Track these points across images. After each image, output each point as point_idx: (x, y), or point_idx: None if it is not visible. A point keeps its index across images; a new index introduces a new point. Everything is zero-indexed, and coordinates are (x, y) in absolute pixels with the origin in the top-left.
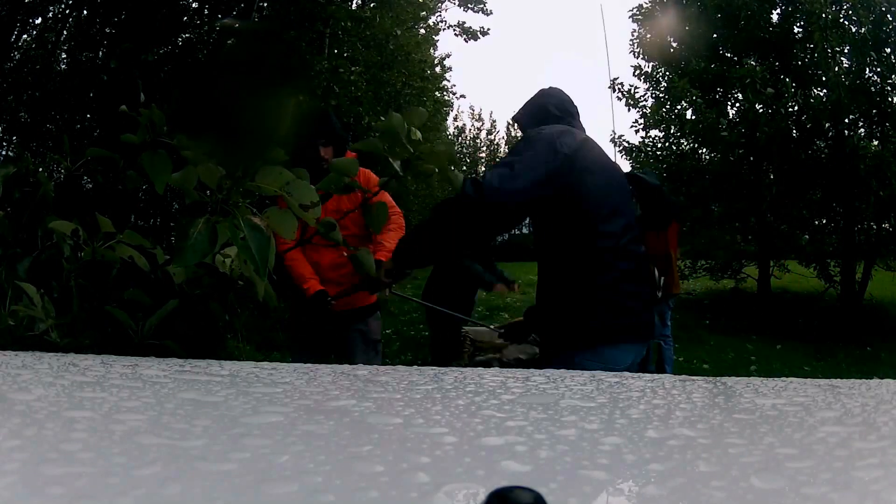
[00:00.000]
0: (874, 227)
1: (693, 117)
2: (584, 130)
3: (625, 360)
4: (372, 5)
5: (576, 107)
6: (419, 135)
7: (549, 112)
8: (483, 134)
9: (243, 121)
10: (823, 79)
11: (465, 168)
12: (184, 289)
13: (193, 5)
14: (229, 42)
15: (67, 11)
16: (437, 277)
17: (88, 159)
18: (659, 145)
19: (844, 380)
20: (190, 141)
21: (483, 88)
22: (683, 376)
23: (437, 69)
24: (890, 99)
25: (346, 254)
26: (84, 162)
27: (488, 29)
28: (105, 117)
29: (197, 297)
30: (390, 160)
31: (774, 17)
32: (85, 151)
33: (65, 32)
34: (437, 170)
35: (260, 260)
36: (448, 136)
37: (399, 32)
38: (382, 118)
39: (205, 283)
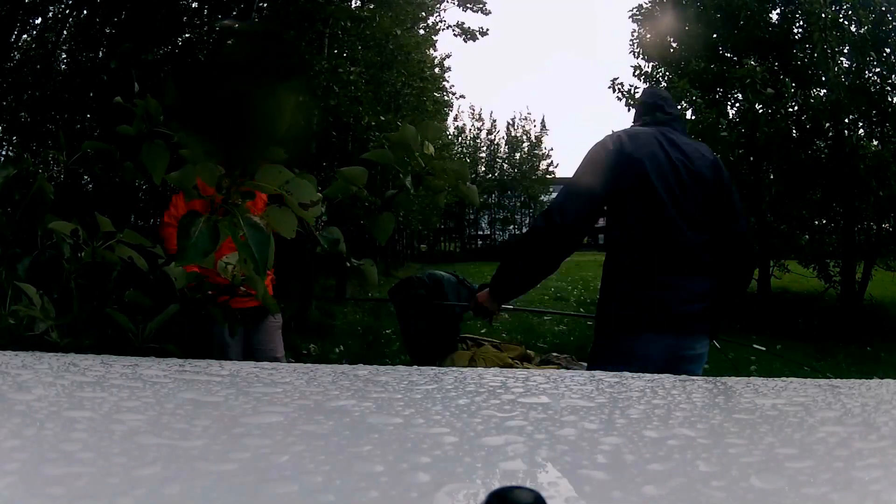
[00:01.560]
0: (874, 227)
1: (693, 117)
2: (667, 123)
3: (645, 350)
4: (371, 6)
5: (663, 100)
6: (432, 149)
7: (638, 111)
8: (483, 134)
9: (242, 119)
10: (823, 79)
11: None
12: (184, 293)
13: (193, 5)
14: (229, 42)
15: (67, 11)
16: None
17: (86, 152)
18: None
19: (844, 380)
20: (189, 138)
21: (483, 88)
22: (683, 376)
23: (437, 69)
24: (890, 99)
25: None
26: (81, 155)
27: (487, 29)
28: (105, 117)
29: (197, 302)
30: (401, 174)
31: (774, 17)
32: (81, 145)
33: (65, 32)
34: (448, 186)
35: (260, 259)
36: (448, 136)
37: (399, 32)
38: (382, 118)
39: (205, 288)
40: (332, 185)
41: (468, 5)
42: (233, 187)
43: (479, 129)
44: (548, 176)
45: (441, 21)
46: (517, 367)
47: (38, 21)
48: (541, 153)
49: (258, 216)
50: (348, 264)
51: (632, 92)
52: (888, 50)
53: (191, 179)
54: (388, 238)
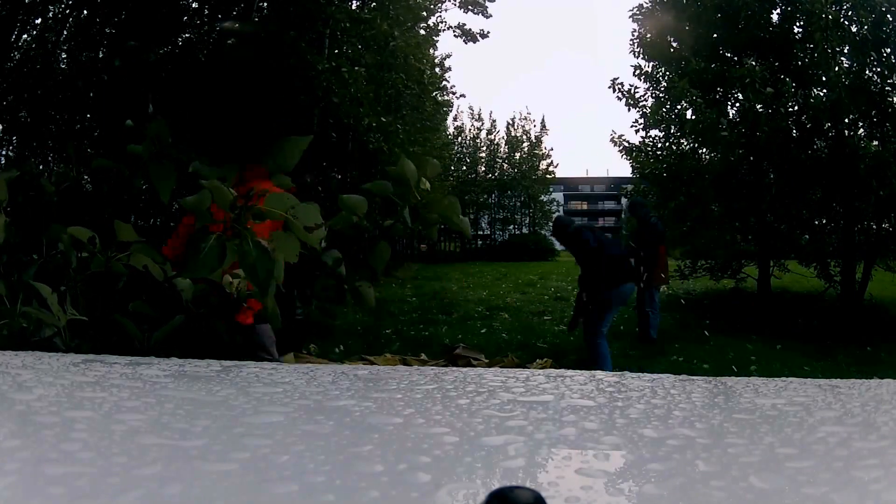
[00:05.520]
0: (874, 227)
1: (693, 117)
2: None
3: (629, 291)
4: (373, 5)
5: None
6: (428, 185)
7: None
8: (483, 134)
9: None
10: (823, 79)
11: (464, 168)
12: (189, 306)
13: (193, 5)
14: (230, 42)
15: (67, 11)
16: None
17: (96, 167)
18: (659, 145)
19: (844, 380)
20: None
21: (483, 88)
22: (683, 376)
23: (437, 70)
24: (890, 99)
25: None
26: (91, 171)
27: (488, 31)
28: (105, 117)
29: (202, 316)
30: (399, 207)
31: (774, 16)
32: (87, 155)
33: (65, 32)
34: (441, 218)
35: (263, 281)
36: (448, 136)
37: (397, 34)
38: (383, 119)
39: (211, 302)
40: (335, 217)
41: (469, 7)
42: (244, 211)
43: (479, 129)
44: (548, 176)
45: (442, 22)
46: None
47: (38, 21)
48: (541, 153)
49: (265, 238)
50: (346, 286)
51: (632, 92)
52: (888, 50)
53: (205, 202)
54: (384, 266)
